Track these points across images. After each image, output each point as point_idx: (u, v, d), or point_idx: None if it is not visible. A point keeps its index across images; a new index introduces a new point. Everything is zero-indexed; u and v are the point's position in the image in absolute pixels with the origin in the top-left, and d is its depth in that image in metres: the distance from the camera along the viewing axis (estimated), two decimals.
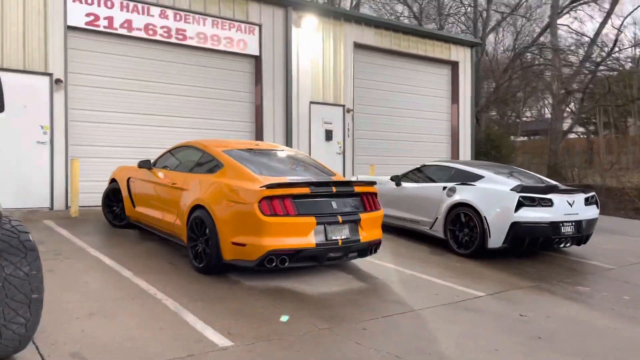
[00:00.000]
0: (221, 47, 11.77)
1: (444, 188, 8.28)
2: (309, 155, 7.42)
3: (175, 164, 7.30)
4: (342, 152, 13.75)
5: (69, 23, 9.89)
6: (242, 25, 12.05)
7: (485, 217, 7.47)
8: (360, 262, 6.98)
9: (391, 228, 9.35)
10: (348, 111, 13.78)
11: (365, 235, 6.14)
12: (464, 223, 7.82)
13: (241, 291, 5.52)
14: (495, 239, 7.43)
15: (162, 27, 10.96)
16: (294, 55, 12.79)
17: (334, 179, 6.58)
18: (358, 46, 14.12)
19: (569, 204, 7.61)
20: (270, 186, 5.59)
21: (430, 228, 8.41)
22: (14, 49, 9.35)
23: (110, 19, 10.34)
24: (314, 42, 13.22)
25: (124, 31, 10.52)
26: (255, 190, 5.63)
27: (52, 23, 9.71)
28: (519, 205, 7.34)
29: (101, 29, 10.25)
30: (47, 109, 9.68)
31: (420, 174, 9.18)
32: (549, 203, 7.47)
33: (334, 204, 5.96)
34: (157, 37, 10.92)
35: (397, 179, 9.24)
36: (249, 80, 12.39)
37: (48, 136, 9.69)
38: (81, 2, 10.02)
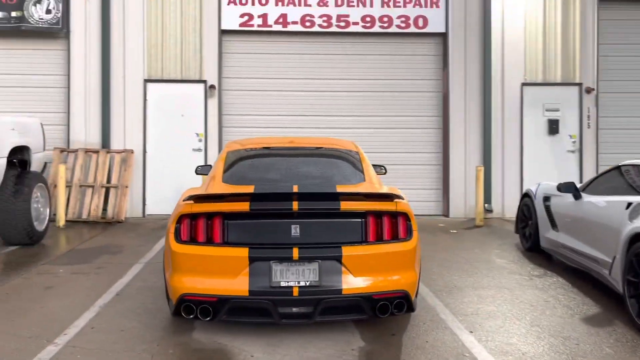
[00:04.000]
0: (393, 29, 9.79)
1: (628, 205, 4.61)
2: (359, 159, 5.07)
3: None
4: (577, 150, 9.83)
5: (223, 27, 9.67)
6: None
7: None
8: (422, 324, 4.32)
9: (571, 268, 5.93)
10: (588, 91, 9.80)
11: (359, 282, 3.65)
12: None
13: (155, 349, 3.88)
14: None
15: (320, 17, 9.74)
16: (495, 24, 9.75)
17: (345, 189, 4.17)
18: None
19: None
20: (192, 198, 3.80)
21: (610, 272, 4.81)
22: (172, 60, 9.62)
23: (264, 17, 9.71)
24: (529, 1, 9.85)
25: (278, 27, 9.73)
26: (178, 204, 3.93)
27: (207, 29, 9.64)
28: None
29: (255, 28, 9.71)
30: (202, 116, 9.65)
31: (614, 179, 5.44)
32: None
33: (294, 229, 3.70)
34: (316, 29, 9.74)
35: (572, 189, 5.71)
36: (432, 64, 9.98)
37: (203, 144, 9.66)
38: (235, 4, 9.68)
